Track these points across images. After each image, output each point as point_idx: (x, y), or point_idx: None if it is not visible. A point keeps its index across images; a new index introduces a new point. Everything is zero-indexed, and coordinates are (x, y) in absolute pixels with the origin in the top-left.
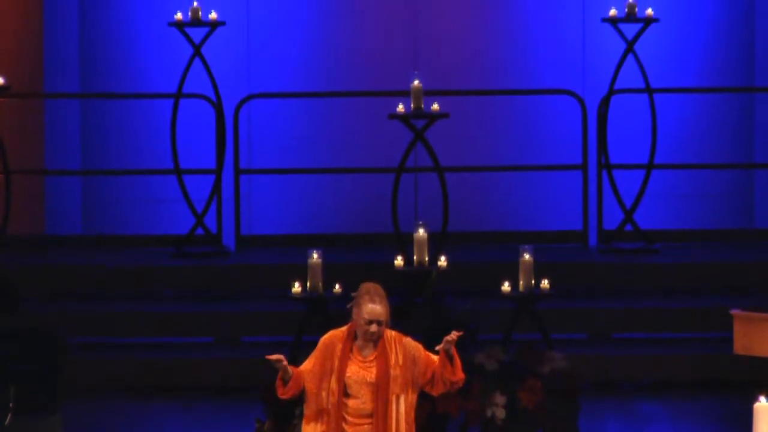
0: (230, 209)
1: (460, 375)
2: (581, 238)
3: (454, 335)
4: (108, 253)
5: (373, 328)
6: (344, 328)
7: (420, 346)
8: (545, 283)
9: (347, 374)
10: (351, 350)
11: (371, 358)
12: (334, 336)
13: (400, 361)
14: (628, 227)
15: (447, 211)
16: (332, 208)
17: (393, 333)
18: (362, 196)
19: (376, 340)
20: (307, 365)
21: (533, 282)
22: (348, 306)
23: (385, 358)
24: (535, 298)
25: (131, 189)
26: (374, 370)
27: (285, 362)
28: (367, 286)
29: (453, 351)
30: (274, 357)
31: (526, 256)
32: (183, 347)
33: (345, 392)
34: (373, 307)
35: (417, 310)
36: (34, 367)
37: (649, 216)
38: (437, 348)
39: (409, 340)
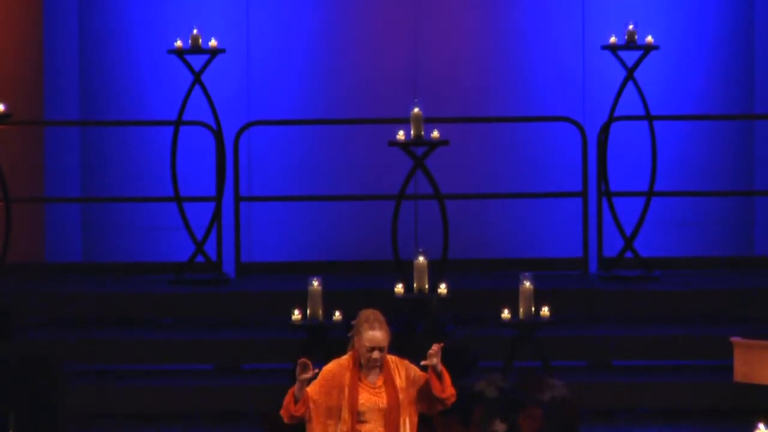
0: (230, 236)
1: (449, 391)
2: (581, 265)
3: (435, 348)
4: (108, 280)
5: (375, 354)
6: (347, 357)
7: (417, 369)
8: (545, 311)
9: (360, 402)
10: (360, 378)
11: (379, 383)
12: (339, 365)
13: (404, 384)
14: (628, 254)
15: (447, 238)
16: (332, 235)
17: (394, 357)
18: (362, 223)
19: (380, 365)
20: (312, 394)
21: (533, 309)
22: (349, 334)
23: (392, 382)
24: (535, 326)
25: (131, 216)
26: (384, 396)
27: (310, 375)
28: (366, 313)
29: (440, 367)
30: (309, 374)
31: (526, 284)
32: (183, 374)
33: (358, 419)
34: (373, 333)
35: (417, 337)
36: (32, 393)
37: (649, 243)
38: (422, 363)
39: (408, 363)
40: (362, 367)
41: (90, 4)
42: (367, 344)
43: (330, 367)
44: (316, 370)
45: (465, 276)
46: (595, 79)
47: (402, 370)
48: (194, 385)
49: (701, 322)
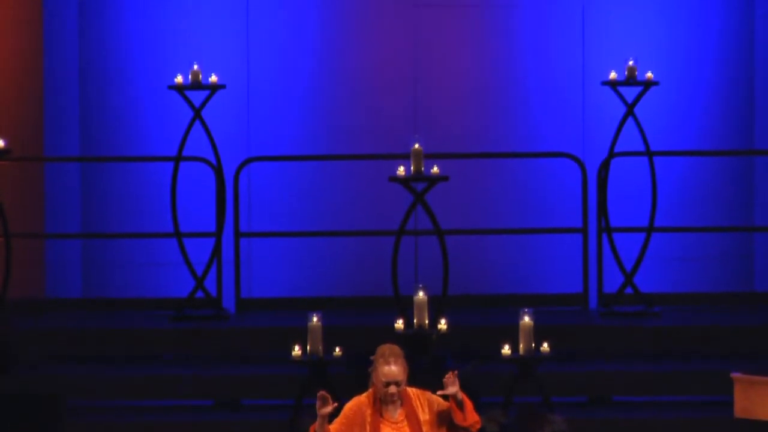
0: (230, 272)
1: (471, 419)
2: (581, 301)
3: (450, 376)
4: (108, 316)
5: (392, 389)
6: (368, 393)
7: (442, 401)
8: (545, 346)
9: None
10: (381, 414)
11: (401, 418)
12: (359, 402)
13: (428, 417)
14: (629, 290)
15: (447, 273)
16: (332, 271)
17: (417, 390)
18: (362, 258)
19: (397, 399)
20: None
21: (533, 345)
22: (369, 370)
23: (415, 416)
24: (536, 361)
25: (131, 252)
26: (407, 431)
27: (330, 409)
28: (383, 348)
29: (461, 395)
30: (329, 408)
31: (527, 319)
32: (183, 410)
33: None
34: (389, 369)
35: (418, 373)
36: (32, 429)
37: (650, 279)
38: (439, 393)
39: (431, 395)
40: (382, 402)
41: (90, 39)
42: (383, 379)
43: (351, 404)
44: (335, 404)
45: (465, 312)
46: (595, 115)
47: (425, 403)
48: (194, 421)
49: (701, 357)
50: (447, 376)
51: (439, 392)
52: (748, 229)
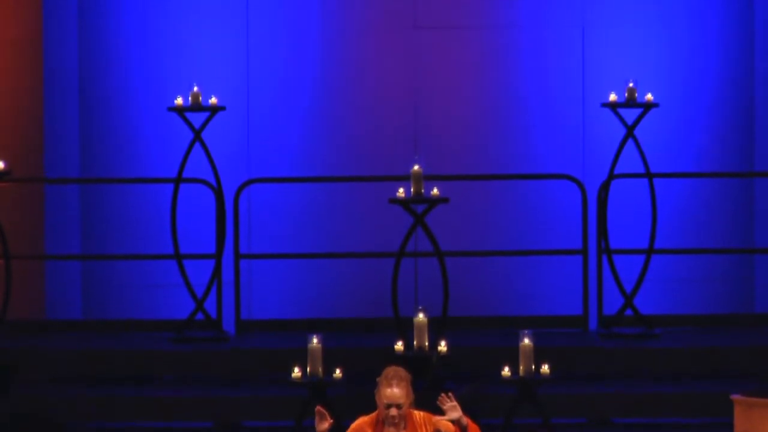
0: (230, 294)
1: None
2: (581, 322)
3: (444, 399)
4: (108, 337)
5: (393, 411)
6: (372, 415)
7: (450, 425)
8: (545, 368)
9: None
10: None
11: None
12: (363, 423)
13: None
14: (629, 312)
15: (447, 295)
16: (332, 293)
17: (424, 414)
18: (362, 280)
19: (399, 422)
20: None
21: (533, 367)
22: (375, 391)
23: None
24: (536, 383)
25: (131, 274)
26: None
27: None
28: (388, 370)
29: (465, 420)
30: (326, 424)
31: (526, 341)
32: None
33: None
34: (391, 391)
35: (418, 395)
36: None
37: (649, 301)
38: (442, 419)
39: (437, 419)
40: (385, 423)
41: (90, 61)
42: (385, 401)
43: (355, 425)
44: (332, 421)
45: (465, 333)
46: (595, 137)
47: (430, 427)
48: None
49: (702, 379)
50: (440, 398)
51: (442, 417)
52: (749, 251)
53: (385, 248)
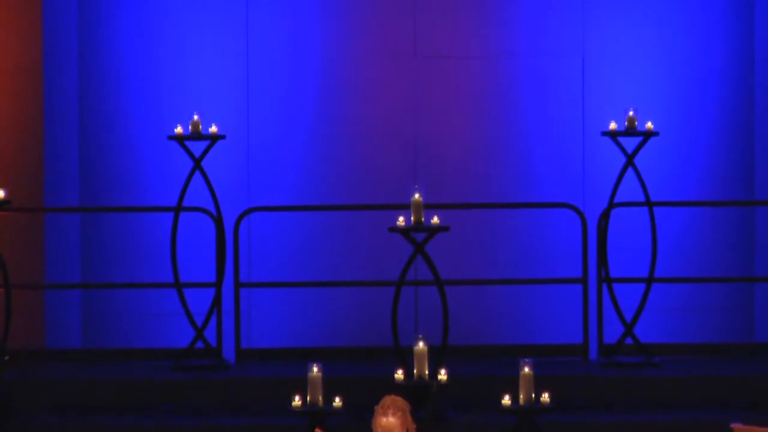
0: (230, 322)
1: None
2: (581, 351)
3: None
4: (108, 366)
5: None
6: None
7: None
8: (545, 397)
9: None
10: None
11: None
12: None
13: None
14: (629, 341)
15: (447, 324)
16: (332, 322)
17: None
18: (362, 309)
19: None
20: None
21: (533, 395)
22: (372, 420)
23: None
24: (536, 412)
25: (131, 302)
26: None
27: None
28: (385, 399)
29: None
30: None
31: (526, 370)
32: None
33: None
34: (386, 420)
35: (418, 423)
36: None
37: (650, 329)
38: None
39: None
40: None
41: (90, 89)
42: (379, 430)
43: None
44: None
45: (465, 362)
46: (595, 165)
47: None
48: None
49: (702, 408)
50: None
51: None
52: (749, 280)
53: (385, 277)
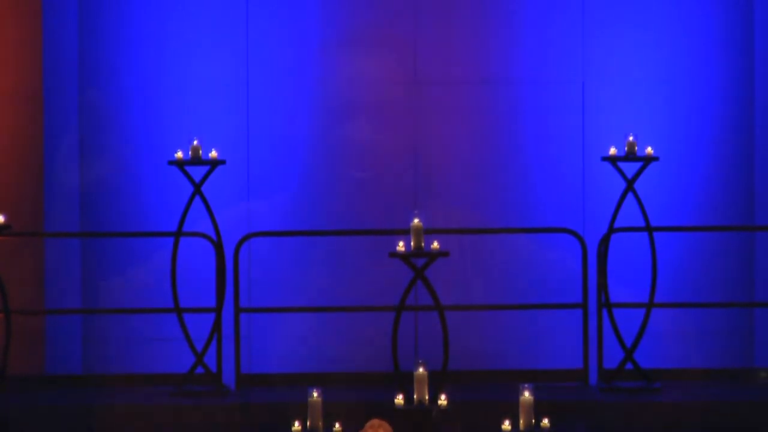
0: (230, 348)
1: None
2: (581, 376)
3: None
4: (108, 392)
5: None
6: None
7: None
8: (545, 422)
9: None
10: None
11: None
12: None
13: None
14: (629, 366)
15: (447, 349)
16: (332, 346)
17: None
18: (362, 334)
19: None
20: None
21: (534, 420)
22: None
23: None
24: None
25: (131, 328)
26: None
27: None
28: (372, 421)
29: None
30: None
31: (527, 395)
32: None
33: None
34: None
35: None
36: None
37: (650, 354)
38: None
39: None
40: None
41: (91, 113)
42: None
43: None
44: None
45: (465, 387)
46: (595, 190)
47: None
48: None
49: None
50: None
51: None
52: (748, 305)
53: (385, 302)
